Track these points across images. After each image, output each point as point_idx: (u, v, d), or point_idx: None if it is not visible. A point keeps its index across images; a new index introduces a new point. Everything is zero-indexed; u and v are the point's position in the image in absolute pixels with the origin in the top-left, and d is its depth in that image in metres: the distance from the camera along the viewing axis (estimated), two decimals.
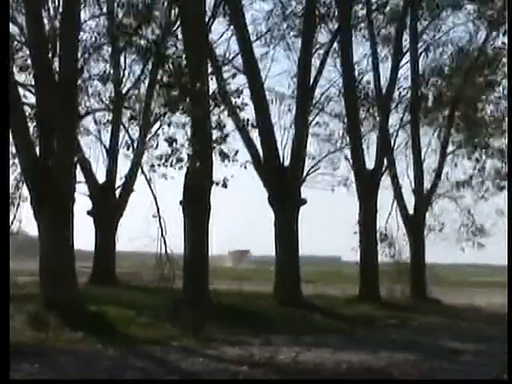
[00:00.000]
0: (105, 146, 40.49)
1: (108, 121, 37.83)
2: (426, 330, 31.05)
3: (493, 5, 45.17)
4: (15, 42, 33.39)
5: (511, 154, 11.06)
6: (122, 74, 38.68)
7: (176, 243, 32.42)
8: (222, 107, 31.85)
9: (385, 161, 43.31)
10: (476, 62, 45.90)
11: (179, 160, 29.64)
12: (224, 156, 30.78)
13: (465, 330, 31.82)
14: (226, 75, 35.94)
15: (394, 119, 44.68)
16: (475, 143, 46.63)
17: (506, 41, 45.83)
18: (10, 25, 33.75)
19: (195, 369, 19.68)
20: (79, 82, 30.59)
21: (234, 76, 35.17)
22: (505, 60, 46.22)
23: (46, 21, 29.39)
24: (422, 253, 45.60)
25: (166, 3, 37.30)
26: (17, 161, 26.98)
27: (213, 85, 32.92)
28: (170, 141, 29.60)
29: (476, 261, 54.83)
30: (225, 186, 30.61)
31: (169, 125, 30.50)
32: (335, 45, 40.53)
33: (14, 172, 29.09)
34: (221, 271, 57.41)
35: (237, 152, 31.92)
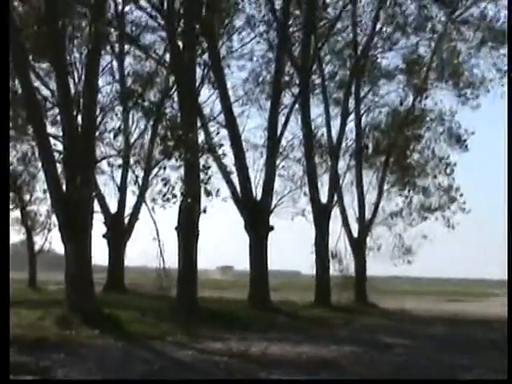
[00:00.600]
0: (116, 184, 40.51)
1: (119, 165, 37.86)
2: (366, 328, 31.15)
3: (418, 75, 45.70)
4: (48, 103, 33.64)
5: (511, 159, 10.91)
6: (130, 128, 38.76)
7: (172, 260, 32.71)
8: (209, 155, 32.04)
9: (335, 196, 43.51)
10: (405, 119, 46.19)
11: (174, 196, 29.88)
12: (208, 193, 30.96)
13: (396, 328, 31.98)
14: (212, 129, 36.07)
15: (342, 164, 44.87)
16: (405, 183, 46.86)
17: (427, 102, 46.49)
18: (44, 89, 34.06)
19: (185, 358, 19.85)
20: (97, 134, 30.83)
21: (217, 133, 35.35)
22: (428, 118, 46.82)
23: (71, 85, 29.62)
24: (364, 268, 45.78)
25: (164, 73, 37.53)
26: (48, 195, 27.02)
27: (201, 137, 33.24)
28: (165, 181, 29.76)
29: (405, 274, 54.92)
30: (204, 211, 30.83)
31: (164, 168, 30.78)
32: (297, 105, 40.59)
33: (46, 204, 29.35)
34: (209, 282, 57.44)
35: (218, 190, 32.14)
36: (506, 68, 44.66)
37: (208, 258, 76.44)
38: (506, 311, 46.65)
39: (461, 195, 46.39)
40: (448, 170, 46.50)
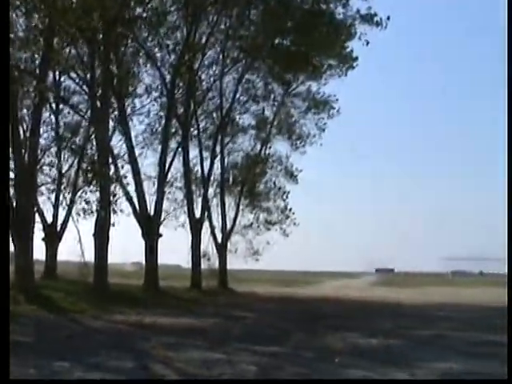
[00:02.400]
0: (51, 203, 39.50)
1: (53, 189, 37.59)
2: (226, 306, 31.49)
3: (264, 130, 46.68)
4: None
5: (511, 158, 10.97)
6: (61, 163, 38.32)
7: (91, 256, 32.87)
8: (117, 183, 32.29)
9: (206, 213, 43.94)
10: (255, 161, 47.02)
11: (92, 212, 30.13)
12: (115, 211, 31.46)
13: (247, 305, 32.41)
14: (119, 165, 36.15)
15: (211, 190, 45.40)
16: (254, 205, 47.57)
17: (270, 150, 47.52)
18: None
19: (97, 326, 19.93)
20: (38, 167, 30.99)
21: (122, 167, 35.58)
22: (271, 160, 47.82)
23: (21, 132, 29.50)
24: (225, 263, 46.27)
25: (86, 124, 37.44)
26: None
27: (112, 170, 33.44)
28: (86, 201, 30.15)
29: (254, 267, 55.52)
30: (113, 225, 31.21)
31: (86, 192, 31.14)
32: (180, 149, 40.96)
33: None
34: (122, 273, 56.91)
35: (121, 210, 32.79)
36: (324, 126, 46.39)
37: (124, 256, 76.55)
38: (331, 292, 47.82)
39: (293, 213, 47.42)
40: (284, 196, 47.46)
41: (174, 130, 41.13)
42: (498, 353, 14.38)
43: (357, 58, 41.91)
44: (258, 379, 8.47)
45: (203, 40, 39.68)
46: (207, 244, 44.89)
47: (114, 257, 34.56)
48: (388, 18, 37.98)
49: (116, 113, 36.23)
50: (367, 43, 38.27)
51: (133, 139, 37.49)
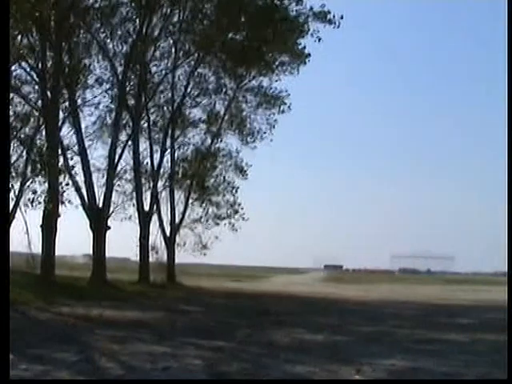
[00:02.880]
0: None
1: None
2: (173, 299, 31.47)
3: (215, 125, 46.58)
4: None
5: (511, 158, 10.74)
6: (10, 153, 37.74)
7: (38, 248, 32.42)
8: (66, 174, 31.88)
9: (155, 206, 43.75)
10: (205, 155, 46.94)
11: (39, 202, 29.67)
12: (63, 202, 31.05)
13: (193, 299, 32.43)
14: (68, 156, 35.65)
15: (160, 184, 45.09)
16: (203, 199, 47.48)
17: (220, 144, 47.46)
18: None
19: (42, 318, 19.74)
20: None
21: (72, 158, 35.14)
22: (221, 154, 47.76)
23: None
24: (173, 257, 46.17)
25: (37, 114, 36.88)
26: None
27: (61, 161, 32.99)
28: (34, 192, 29.63)
29: (203, 261, 55.49)
30: (59, 215, 30.85)
31: (33, 183, 30.66)
32: (130, 142, 40.72)
33: None
34: (72, 265, 56.48)
35: (70, 200, 32.32)
36: (274, 123, 46.47)
37: (75, 248, 75.71)
38: (279, 287, 47.88)
39: (241, 208, 47.43)
40: (233, 191, 47.43)
41: (124, 122, 40.84)
42: (441, 350, 14.64)
43: (309, 55, 42.13)
44: (258, 379, 8.43)
45: (156, 32, 39.44)
46: (156, 237, 44.75)
47: (65, 248, 34.34)
48: (341, 17, 38.33)
49: (66, 104, 35.84)
50: (319, 40, 38.63)
51: (83, 131, 37.20)
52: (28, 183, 35.45)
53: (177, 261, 47.05)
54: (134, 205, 42.24)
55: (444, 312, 28.40)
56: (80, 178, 35.94)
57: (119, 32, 37.81)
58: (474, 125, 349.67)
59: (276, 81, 44.91)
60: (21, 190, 35.98)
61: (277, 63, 42.87)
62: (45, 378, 10.20)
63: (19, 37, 31.90)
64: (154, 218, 44.12)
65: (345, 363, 12.22)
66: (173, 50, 42.07)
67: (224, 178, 47.81)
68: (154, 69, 42.24)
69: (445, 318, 24.79)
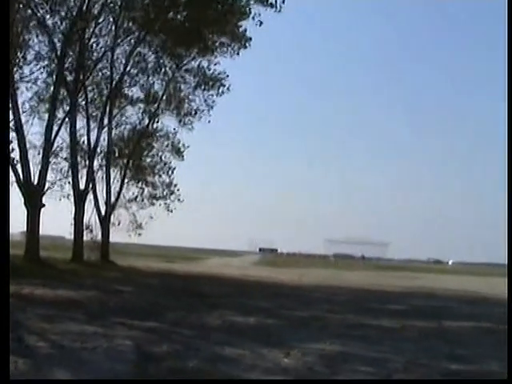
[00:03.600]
0: None
1: None
2: (106, 279, 31.28)
3: (153, 105, 46.31)
4: None
5: (511, 158, 10.56)
6: None
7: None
8: None
9: (90, 185, 43.30)
10: (142, 134, 46.69)
11: None
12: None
13: (126, 279, 32.24)
14: None
15: (96, 163, 44.74)
16: (139, 178, 47.31)
17: (158, 124, 47.24)
18: None
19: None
20: None
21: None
22: (158, 134, 47.56)
23: None
24: (108, 236, 45.85)
25: None
26: None
27: None
28: None
29: (137, 242, 55.18)
30: None
31: None
32: (67, 119, 40.20)
33: None
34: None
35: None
36: (212, 104, 46.41)
37: (14, 225, 74.34)
38: (212, 269, 47.88)
39: (177, 189, 47.37)
40: (170, 172, 47.36)
41: (61, 98, 40.23)
42: (372, 335, 14.87)
43: (250, 39, 42.09)
44: (258, 379, 8.42)
45: (96, 9, 38.88)
46: (91, 216, 44.40)
47: None
48: (283, 1, 38.31)
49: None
50: (260, 23, 38.66)
51: (19, 106, 36.51)
52: None
53: (111, 240, 46.78)
54: (69, 183, 41.78)
55: (376, 298, 28.77)
56: (15, 155, 35.33)
57: (59, 8, 37.16)
58: (405, 106, 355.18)
59: (215, 64, 44.83)
60: None
61: (217, 45, 42.71)
62: None
63: None
64: (90, 196, 43.76)
65: (275, 346, 12.30)
66: (113, 27, 41.55)
67: (161, 158, 47.76)
68: (93, 46, 41.68)
69: (377, 303, 25.14)
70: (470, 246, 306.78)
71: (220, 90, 45.80)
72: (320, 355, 11.69)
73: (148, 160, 47.96)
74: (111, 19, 41.22)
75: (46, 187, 37.52)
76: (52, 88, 38.61)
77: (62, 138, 41.28)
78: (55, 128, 38.62)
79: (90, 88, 43.48)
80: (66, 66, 39.32)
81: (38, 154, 37.99)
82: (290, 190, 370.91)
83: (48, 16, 37.27)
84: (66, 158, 42.49)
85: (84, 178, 42.45)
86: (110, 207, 45.84)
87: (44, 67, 39.05)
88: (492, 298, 31.56)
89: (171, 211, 47.47)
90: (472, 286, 46.32)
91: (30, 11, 35.51)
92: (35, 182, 35.95)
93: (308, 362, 10.98)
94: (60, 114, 40.37)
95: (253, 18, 38.87)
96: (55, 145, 39.78)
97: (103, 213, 45.39)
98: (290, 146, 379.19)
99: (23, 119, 36.96)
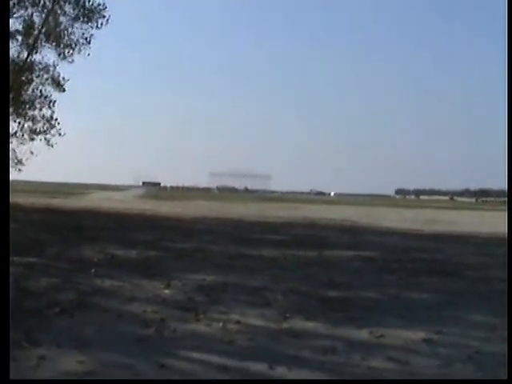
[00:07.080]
0: None
1: None
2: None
3: (32, 37, 44.56)
4: None
5: (511, 158, 10.11)
6: None
7: None
8: None
9: None
10: (21, 68, 44.93)
11: None
12: None
13: (10, 216, 31.25)
14: None
15: None
16: (19, 113, 45.62)
17: (37, 57, 45.45)
18: None
19: None
20: None
21: None
22: (37, 68, 45.82)
23: None
24: None
25: None
26: None
27: None
28: None
29: (18, 178, 53.58)
30: None
31: None
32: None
33: None
34: None
35: None
36: (90, 37, 44.95)
37: None
38: (95, 204, 47.26)
39: (58, 123, 46.01)
40: (51, 105, 45.88)
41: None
42: (253, 265, 15.01)
43: None
44: (258, 379, 8.24)
45: None
46: None
47: None
48: None
49: None
50: None
51: None
52: None
53: None
54: None
55: (258, 229, 29.14)
56: None
57: None
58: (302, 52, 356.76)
59: None
60: None
61: None
62: None
63: None
64: None
65: (155, 278, 12.25)
66: None
67: (41, 91, 46.05)
68: None
69: (259, 234, 25.44)
70: (351, 178, 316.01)
71: (99, 22, 44.29)
72: (200, 285, 11.70)
73: (28, 94, 46.25)
74: None
75: None
76: None
77: None
78: None
79: None
80: None
81: None
82: (175, 123, 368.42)
83: None
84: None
85: None
86: None
87: None
88: (368, 226, 32.57)
89: (52, 146, 46.13)
90: (350, 215, 47.60)
91: None
92: None
93: (188, 292, 10.97)
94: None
95: None
96: None
97: None
98: (174, 79, 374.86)
99: None
